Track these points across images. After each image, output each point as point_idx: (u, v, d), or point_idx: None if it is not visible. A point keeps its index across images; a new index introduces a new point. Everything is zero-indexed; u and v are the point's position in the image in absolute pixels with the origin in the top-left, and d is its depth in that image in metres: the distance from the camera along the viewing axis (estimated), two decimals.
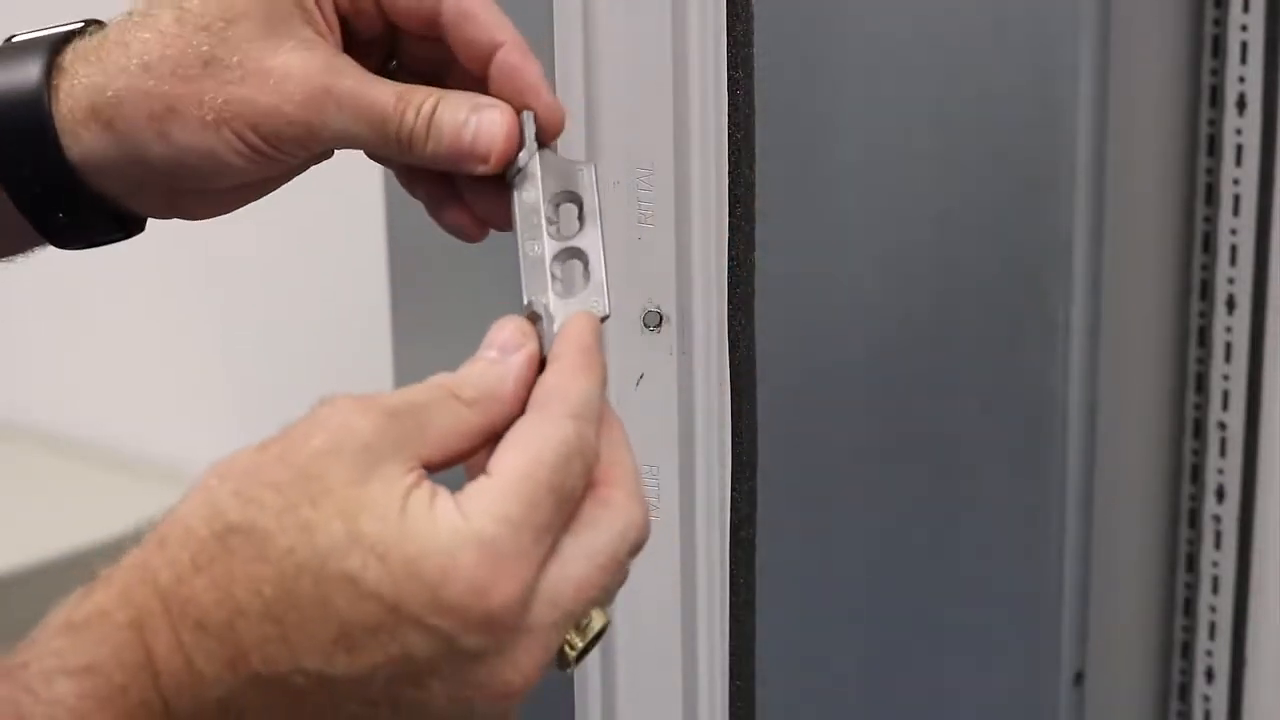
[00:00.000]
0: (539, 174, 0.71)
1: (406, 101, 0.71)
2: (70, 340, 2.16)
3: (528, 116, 0.71)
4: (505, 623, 0.58)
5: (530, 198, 0.71)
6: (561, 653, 0.61)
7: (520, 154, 0.71)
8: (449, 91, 0.72)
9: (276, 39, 0.71)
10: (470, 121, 0.71)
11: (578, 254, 0.70)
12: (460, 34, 0.71)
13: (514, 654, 0.59)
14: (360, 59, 0.73)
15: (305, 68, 0.71)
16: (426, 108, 0.71)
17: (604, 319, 0.69)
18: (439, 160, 0.72)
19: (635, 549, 0.62)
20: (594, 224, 0.70)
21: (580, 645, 0.61)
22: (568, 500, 0.60)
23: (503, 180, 0.72)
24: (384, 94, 0.71)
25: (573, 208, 0.71)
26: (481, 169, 0.71)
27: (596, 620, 0.62)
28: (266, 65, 0.71)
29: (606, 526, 0.61)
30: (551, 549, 0.60)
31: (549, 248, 0.70)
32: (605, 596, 0.62)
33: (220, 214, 0.78)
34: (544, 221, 0.70)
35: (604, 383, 0.64)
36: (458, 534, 0.58)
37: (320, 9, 0.72)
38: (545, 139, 0.71)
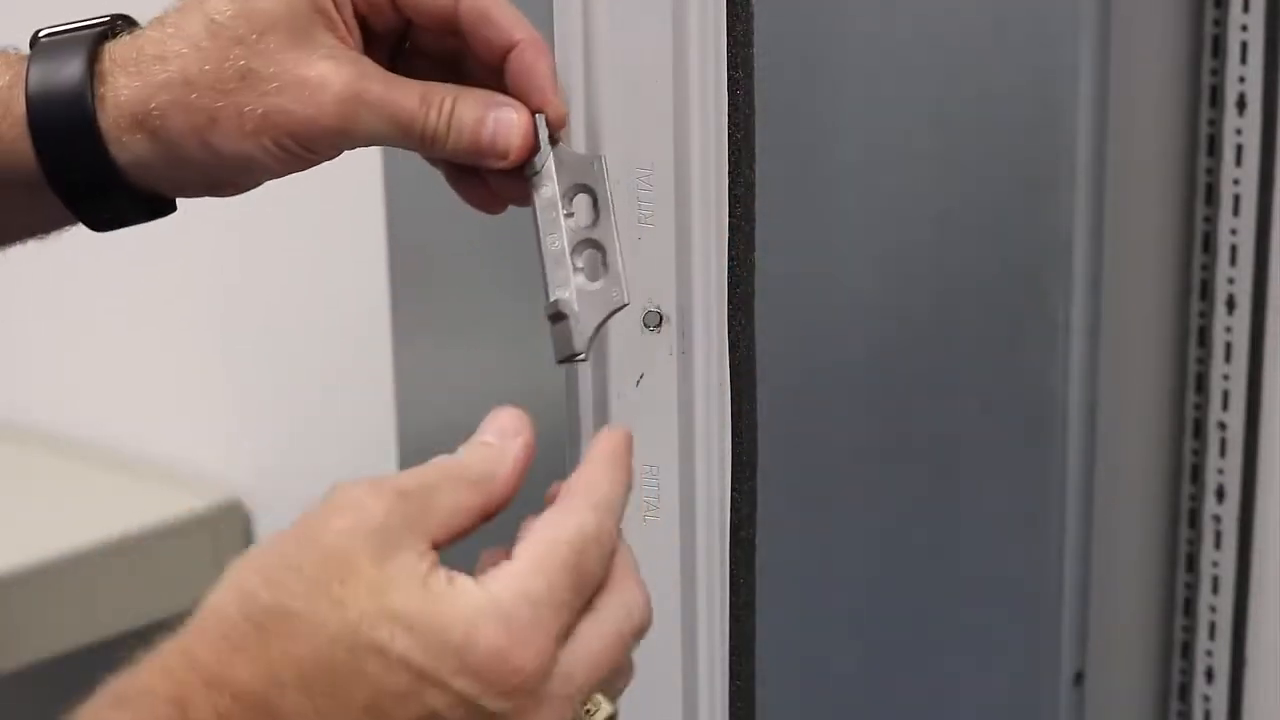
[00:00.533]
0: (554, 171, 0.75)
1: (429, 103, 0.75)
2: (70, 340, 2.16)
3: (540, 118, 0.75)
4: (524, 688, 0.62)
5: (548, 194, 0.75)
6: None
7: (536, 156, 0.75)
8: (466, 89, 0.76)
9: (306, 48, 0.75)
10: (488, 120, 0.75)
11: (595, 245, 0.75)
12: (477, 33, 0.76)
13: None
14: (375, 49, 0.78)
15: (338, 77, 0.75)
16: (447, 107, 0.75)
17: (623, 307, 0.74)
18: (459, 155, 0.76)
19: (640, 630, 0.67)
20: (608, 215, 0.75)
21: None
22: (586, 583, 0.65)
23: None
24: (409, 97, 0.76)
25: (586, 199, 0.75)
26: (500, 164, 0.76)
27: (605, 708, 0.66)
28: (301, 76, 0.75)
29: (613, 608, 0.66)
30: (569, 628, 0.64)
31: (568, 240, 0.74)
32: (614, 678, 0.67)
33: (249, 190, 0.82)
34: (561, 216, 0.74)
35: (629, 484, 0.69)
36: (479, 606, 0.63)
37: (340, 14, 0.76)
38: (555, 135, 0.75)
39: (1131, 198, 1.20)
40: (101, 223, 0.80)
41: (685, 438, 0.81)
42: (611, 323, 0.77)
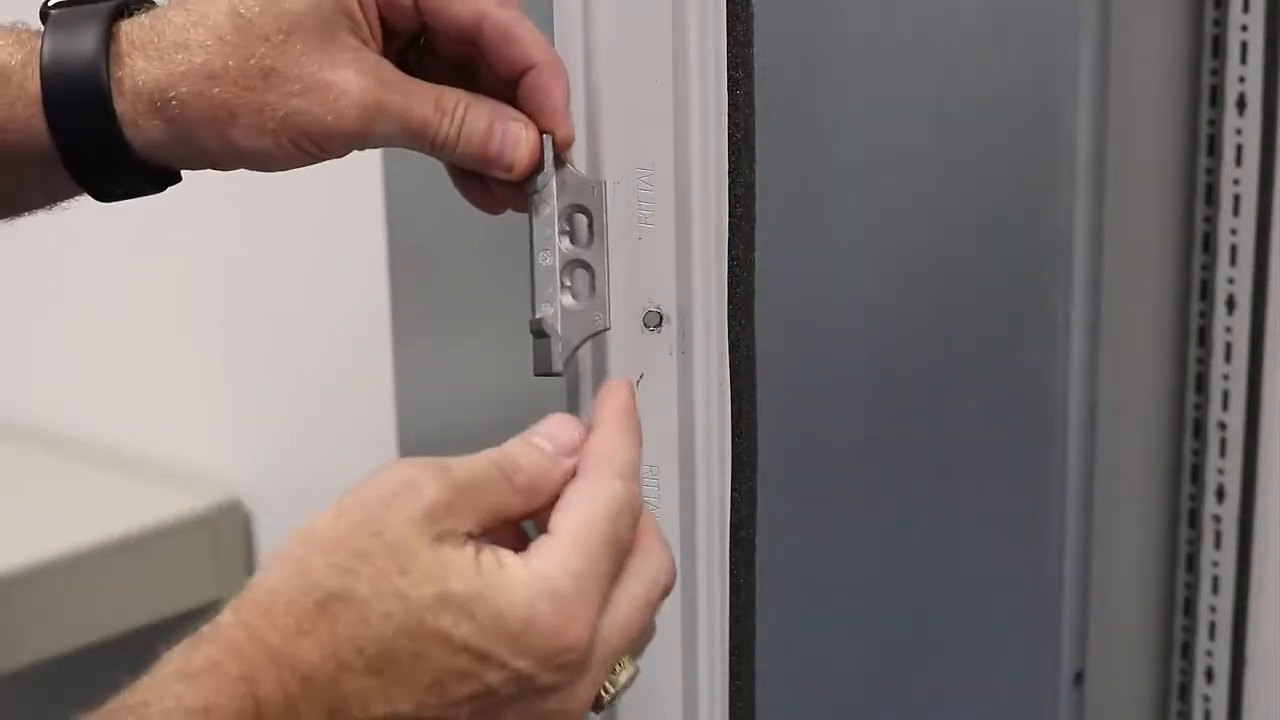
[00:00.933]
0: (555, 191, 0.77)
1: (442, 109, 0.77)
2: (70, 340, 2.16)
3: (548, 139, 0.77)
4: (575, 662, 0.66)
5: (546, 212, 0.77)
6: (597, 695, 0.69)
7: (540, 175, 0.77)
8: (478, 98, 0.78)
9: (330, 51, 0.76)
10: (496, 132, 0.77)
11: (585, 266, 0.77)
12: (496, 50, 0.77)
13: (577, 688, 0.67)
14: (391, 48, 0.79)
15: (360, 83, 0.76)
16: (459, 115, 0.77)
17: (604, 330, 0.77)
18: (466, 162, 0.78)
19: (666, 591, 0.71)
20: (602, 239, 0.77)
21: (614, 689, 0.69)
22: (621, 551, 0.69)
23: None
24: (425, 104, 0.77)
25: (583, 219, 0.77)
26: (504, 177, 0.78)
27: (629, 668, 0.70)
28: (325, 80, 0.76)
29: (643, 572, 0.70)
30: (608, 596, 0.68)
31: (560, 259, 0.76)
32: (642, 639, 0.70)
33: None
34: (556, 234, 0.76)
35: (641, 441, 0.73)
36: (532, 588, 0.66)
37: (365, 16, 0.77)
38: (561, 157, 0.77)
39: (1131, 198, 1.20)
40: (111, 196, 0.81)
41: (685, 438, 0.81)
42: (612, 322, 0.78)
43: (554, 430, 0.72)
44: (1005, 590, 1.24)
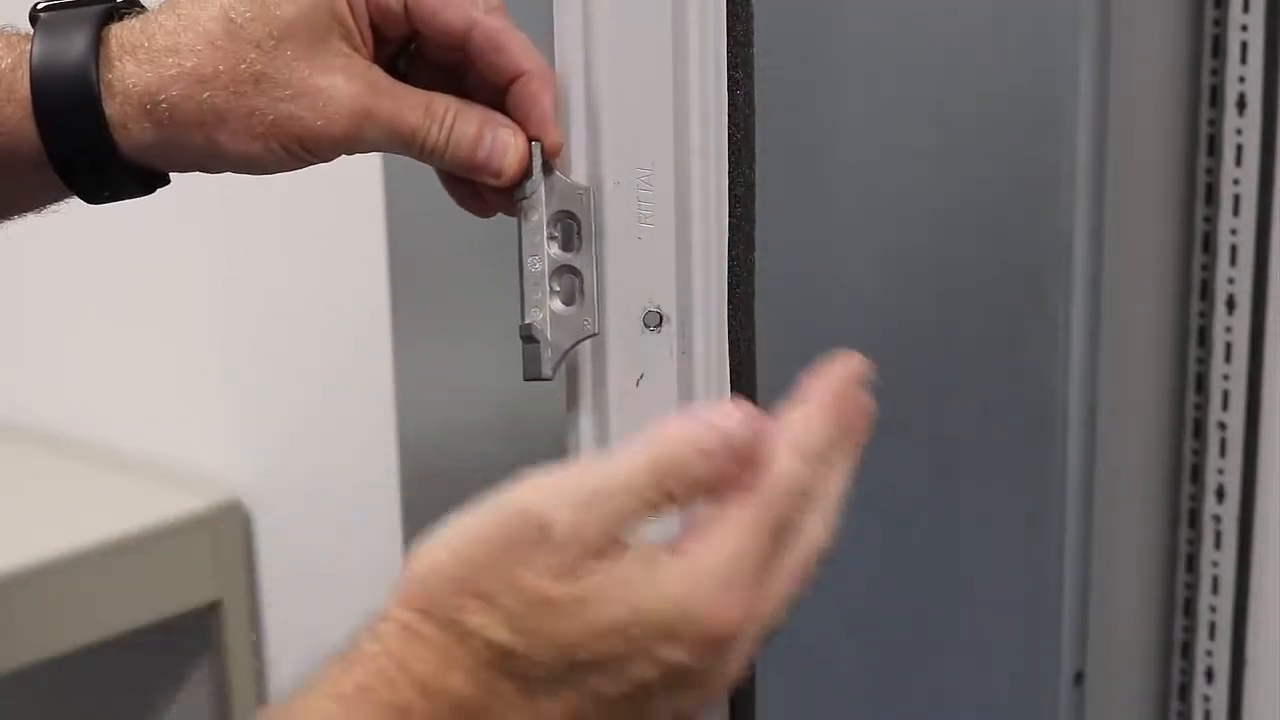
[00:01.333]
0: (544, 197, 0.77)
1: (431, 116, 0.77)
2: (70, 340, 2.16)
3: (536, 146, 0.77)
4: (728, 643, 0.65)
5: (535, 218, 0.77)
6: None
7: (528, 181, 0.77)
8: (467, 105, 0.78)
9: (321, 57, 0.77)
10: (485, 139, 0.77)
11: (574, 271, 0.77)
12: (485, 58, 0.78)
13: (727, 667, 0.66)
14: (381, 53, 0.79)
15: (350, 91, 0.77)
16: (448, 122, 0.77)
17: (593, 336, 0.78)
18: (455, 169, 0.78)
19: (820, 555, 0.69)
20: (590, 245, 0.77)
21: None
22: (787, 534, 0.67)
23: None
24: (414, 110, 0.77)
25: (572, 225, 0.78)
26: (493, 183, 0.78)
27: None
28: (315, 85, 0.76)
29: (802, 550, 0.68)
30: (762, 571, 0.66)
31: (548, 264, 0.77)
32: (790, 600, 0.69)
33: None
34: (545, 240, 0.77)
35: (853, 431, 0.73)
36: (682, 580, 0.64)
37: (357, 23, 0.78)
38: (549, 163, 0.78)
39: (1131, 198, 1.20)
40: (99, 199, 0.81)
41: None
42: (612, 322, 0.78)
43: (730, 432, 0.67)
44: (1005, 590, 1.24)
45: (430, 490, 1.53)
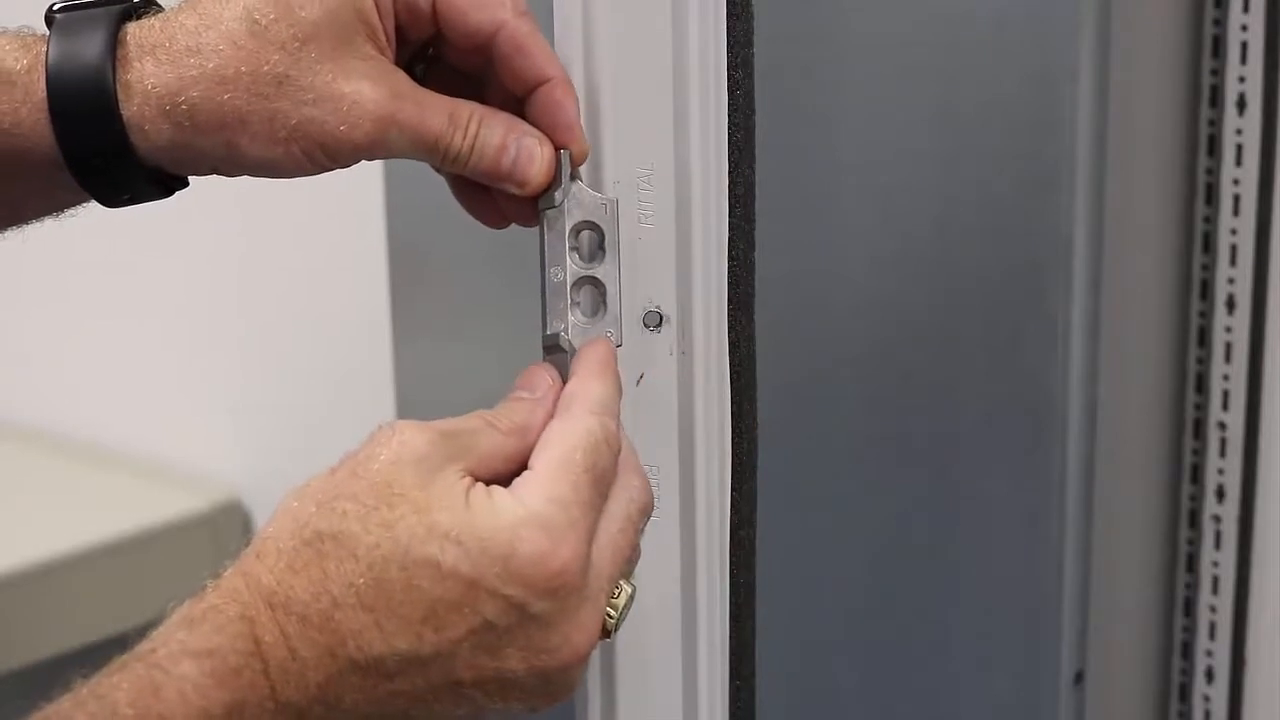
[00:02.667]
0: (569, 207, 0.77)
1: (455, 123, 0.76)
2: (70, 340, 2.16)
3: (564, 155, 0.76)
4: (568, 586, 0.67)
5: (559, 227, 0.77)
6: (602, 623, 0.70)
7: (555, 191, 0.76)
8: (491, 112, 0.77)
9: (346, 60, 0.75)
10: (510, 147, 0.76)
11: (596, 283, 0.77)
12: (509, 62, 0.76)
13: (578, 618, 0.68)
14: (403, 55, 0.78)
15: (375, 96, 0.75)
16: (472, 129, 0.76)
17: (617, 347, 0.77)
18: (480, 177, 0.77)
19: (645, 510, 0.73)
20: (614, 256, 0.77)
21: (616, 613, 0.70)
22: (602, 481, 0.70)
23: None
24: (438, 116, 0.76)
25: (595, 236, 0.77)
26: (518, 192, 0.77)
27: (626, 589, 0.71)
28: (339, 90, 0.75)
29: (620, 500, 0.71)
30: (594, 526, 0.70)
31: (571, 274, 0.77)
32: (632, 558, 0.72)
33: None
34: (568, 250, 0.77)
35: (619, 386, 0.75)
36: (517, 515, 0.67)
37: (383, 24, 0.76)
38: (575, 172, 0.77)
39: (1131, 198, 1.20)
40: (117, 202, 0.80)
41: (685, 438, 0.81)
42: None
43: (531, 381, 0.75)
44: (1005, 590, 1.24)
45: None
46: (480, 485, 0.69)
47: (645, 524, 0.73)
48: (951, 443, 1.24)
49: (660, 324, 0.79)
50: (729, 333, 0.81)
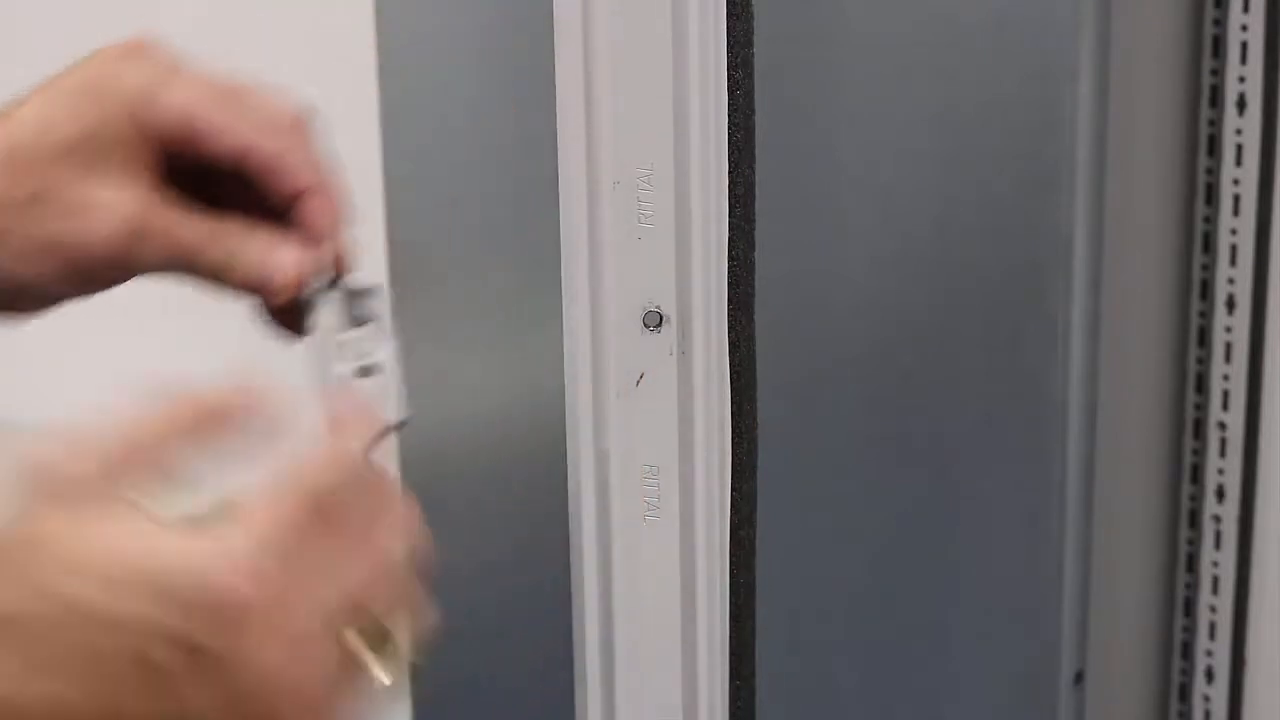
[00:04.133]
0: (334, 303, 0.79)
1: (212, 241, 0.77)
2: (69, 339, 2.16)
3: (324, 256, 0.78)
4: (239, 619, 0.58)
5: (327, 324, 0.79)
6: (345, 662, 0.59)
7: (315, 289, 0.78)
8: (248, 223, 0.77)
9: (99, 175, 0.76)
10: (267, 262, 0.77)
11: (373, 370, 0.79)
12: (262, 181, 0.77)
13: (267, 651, 0.58)
14: (178, 186, 0.77)
15: (122, 206, 0.76)
16: (230, 244, 0.77)
17: (402, 425, 0.78)
18: (238, 289, 0.79)
19: (399, 534, 0.64)
20: (388, 342, 0.79)
21: (375, 654, 0.60)
22: (332, 511, 0.62)
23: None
24: (193, 233, 0.77)
25: (371, 326, 0.80)
26: (275, 301, 0.78)
27: (397, 628, 0.61)
28: (88, 202, 0.76)
29: (374, 538, 0.63)
30: (302, 553, 0.61)
31: (347, 368, 0.79)
32: (371, 600, 0.62)
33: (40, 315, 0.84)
34: (338, 345, 0.79)
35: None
36: (163, 539, 0.60)
37: (141, 143, 0.76)
38: (339, 274, 0.79)
39: (1131, 198, 1.20)
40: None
41: (685, 438, 0.81)
42: (611, 323, 0.78)
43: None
44: (1005, 590, 1.24)
45: (430, 490, 1.53)
46: (126, 511, 0.62)
47: (401, 559, 0.64)
48: (951, 443, 1.24)
49: (660, 324, 0.79)
50: (729, 333, 0.81)
